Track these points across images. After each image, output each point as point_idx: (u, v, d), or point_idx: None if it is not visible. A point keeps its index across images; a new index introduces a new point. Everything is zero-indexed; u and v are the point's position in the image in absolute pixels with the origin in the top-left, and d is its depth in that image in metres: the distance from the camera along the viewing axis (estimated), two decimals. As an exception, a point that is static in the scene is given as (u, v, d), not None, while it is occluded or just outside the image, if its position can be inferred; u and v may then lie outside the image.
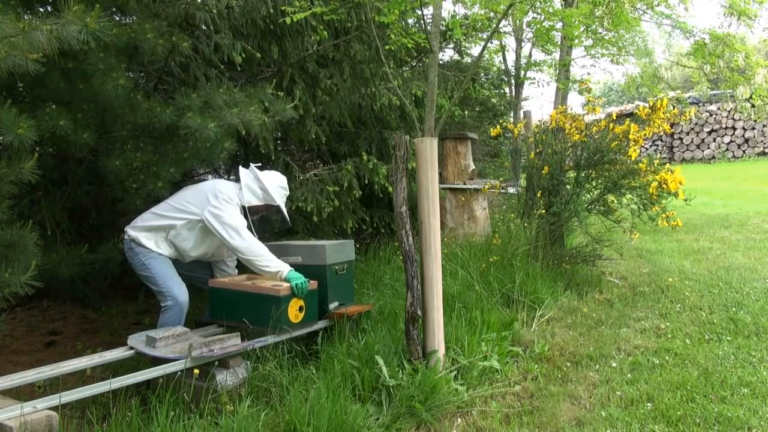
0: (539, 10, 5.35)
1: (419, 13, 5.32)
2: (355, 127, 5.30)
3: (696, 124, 17.65)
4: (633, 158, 4.55)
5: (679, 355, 3.16)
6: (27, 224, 2.44)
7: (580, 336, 3.53)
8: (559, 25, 6.02)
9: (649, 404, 2.61)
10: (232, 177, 5.06)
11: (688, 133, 17.92)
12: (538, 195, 4.76)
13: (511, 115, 11.14)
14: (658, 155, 16.39)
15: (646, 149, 17.79)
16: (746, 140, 17.02)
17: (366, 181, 4.78)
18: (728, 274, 4.76)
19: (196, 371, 2.52)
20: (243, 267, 3.39)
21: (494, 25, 6.38)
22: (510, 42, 11.66)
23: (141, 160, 3.23)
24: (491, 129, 6.31)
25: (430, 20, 5.09)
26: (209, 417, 2.38)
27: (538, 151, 4.96)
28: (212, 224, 3.06)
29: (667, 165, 4.71)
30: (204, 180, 4.52)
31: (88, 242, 3.45)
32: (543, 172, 4.77)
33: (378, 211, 5.48)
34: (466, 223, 6.19)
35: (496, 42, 11.26)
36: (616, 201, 4.71)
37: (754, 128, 16.78)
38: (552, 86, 10.63)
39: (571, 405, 2.67)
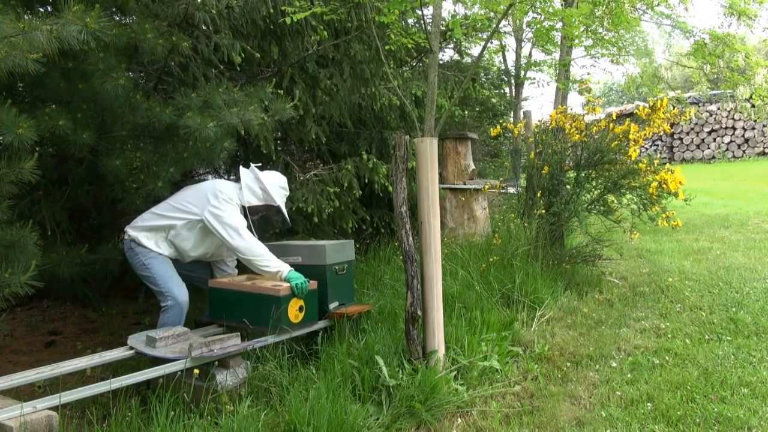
0: (539, 10, 5.35)
1: (419, 13, 5.32)
2: (355, 127, 5.31)
3: (696, 124, 17.66)
4: (633, 158, 4.55)
5: (679, 355, 3.16)
6: (27, 224, 2.44)
7: (580, 336, 3.53)
8: (559, 25, 6.02)
9: (649, 404, 2.61)
10: (232, 177, 5.06)
11: (688, 133, 17.92)
12: (538, 195, 4.76)
13: (511, 115, 11.14)
14: (658, 155, 16.39)
15: (646, 149, 17.79)
16: (746, 140, 17.02)
17: (366, 181, 4.78)
18: (728, 274, 4.76)
19: (196, 371, 2.52)
20: (243, 267, 3.39)
21: (494, 25, 6.38)
22: (510, 42, 11.68)
23: (141, 160, 3.23)
24: (491, 129, 6.31)
25: (430, 20, 5.08)
26: (209, 417, 2.38)
27: (538, 151, 4.96)
28: (212, 224, 3.06)
29: (667, 165, 4.71)
30: (204, 180, 4.52)
31: (88, 242, 3.45)
32: (543, 172, 4.77)
33: (378, 211, 5.48)
34: (466, 223, 6.19)
35: (496, 42, 11.27)
36: (616, 201, 4.71)
37: (754, 128, 16.78)
38: (552, 86, 10.64)
39: (571, 405, 2.67)
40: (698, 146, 17.80)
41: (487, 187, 5.83)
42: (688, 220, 7.45)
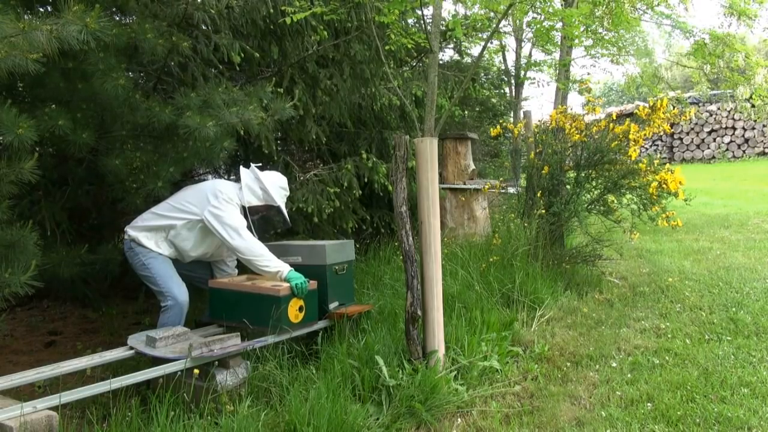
0: (539, 10, 5.35)
1: (419, 13, 5.33)
2: (355, 127, 5.31)
3: (696, 124, 17.66)
4: (633, 158, 4.55)
5: (679, 355, 3.16)
6: (27, 224, 2.44)
7: (580, 336, 3.53)
8: (559, 25, 6.02)
9: (649, 404, 2.61)
10: (232, 177, 5.06)
11: (688, 133, 17.92)
12: (538, 195, 4.76)
13: (511, 115, 11.14)
14: (658, 155, 16.40)
15: (646, 149, 17.80)
16: (746, 140, 17.02)
17: (366, 180, 4.78)
18: (728, 274, 4.76)
19: (196, 371, 2.52)
20: (243, 267, 3.39)
21: (494, 25, 6.38)
22: (510, 42, 11.68)
23: (141, 160, 3.23)
24: (491, 129, 6.31)
25: (430, 20, 5.09)
26: (209, 417, 2.38)
27: (538, 151, 4.96)
28: (212, 224, 3.06)
29: (667, 165, 4.71)
30: (204, 180, 4.52)
31: (88, 242, 3.45)
32: (543, 172, 4.77)
33: (378, 210, 5.48)
34: (466, 223, 6.19)
35: (496, 42, 11.27)
36: (616, 201, 4.71)
37: (754, 128, 16.78)
38: (552, 86, 10.64)
39: (571, 405, 2.67)
40: (698, 146, 17.80)
41: (487, 187, 5.83)
42: (688, 220, 7.45)
